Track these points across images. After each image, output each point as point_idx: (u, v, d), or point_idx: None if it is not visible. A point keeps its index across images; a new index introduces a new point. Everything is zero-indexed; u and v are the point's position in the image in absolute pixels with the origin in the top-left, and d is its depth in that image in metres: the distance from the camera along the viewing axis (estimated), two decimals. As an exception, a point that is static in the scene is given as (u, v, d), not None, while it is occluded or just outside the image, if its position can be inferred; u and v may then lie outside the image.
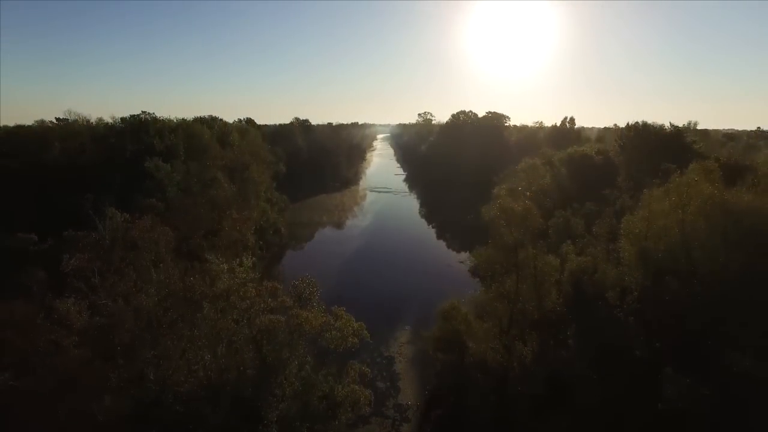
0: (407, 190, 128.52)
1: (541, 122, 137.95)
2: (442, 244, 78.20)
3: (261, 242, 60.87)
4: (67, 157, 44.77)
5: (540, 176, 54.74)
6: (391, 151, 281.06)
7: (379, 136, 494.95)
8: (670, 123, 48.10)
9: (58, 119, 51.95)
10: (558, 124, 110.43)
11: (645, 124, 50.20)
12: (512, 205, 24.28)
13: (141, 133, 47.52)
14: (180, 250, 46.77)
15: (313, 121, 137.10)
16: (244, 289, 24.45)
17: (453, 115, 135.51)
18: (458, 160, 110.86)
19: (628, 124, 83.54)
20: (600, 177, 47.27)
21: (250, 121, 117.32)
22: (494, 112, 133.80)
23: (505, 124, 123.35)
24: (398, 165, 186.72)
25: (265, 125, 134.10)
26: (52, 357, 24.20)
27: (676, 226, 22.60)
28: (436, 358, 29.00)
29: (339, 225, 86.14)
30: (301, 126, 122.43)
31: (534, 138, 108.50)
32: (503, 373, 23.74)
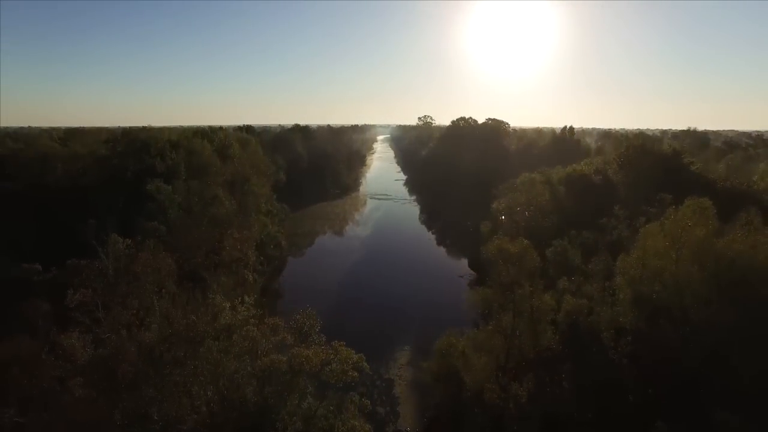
0: (407, 196, 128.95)
1: (541, 128, 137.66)
2: (442, 253, 78.75)
3: (261, 257, 61.30)
4: (70, 178, 45.21)
5: (539, 193, 55.10)
6: (391, 153, 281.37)
7: (379, 138, 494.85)
8: (669, 143, 48.40)
9: (60, 139, 52.39)
10: (558, 131, 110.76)
11: (643, 144, 50.53)
12: (509, 246, 24.66)
13: (142, 153, 47.93)
14: (182, 270, 47.31)
15: (313, 122, 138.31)
16: (246, 328, 24.91)
17: (453, 122, 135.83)
18: (458, 167, 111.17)
19: (627, 136, 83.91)
20: (599, 197, 47.64)
21: (249, 129, 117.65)
22: (494, 119, 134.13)
23: (505, 131, 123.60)
24: (398, 169, 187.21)
25: (265, 130, 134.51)
26: (57, 394, 24.70)
27: (670, 269, 23.02)
28: (435, 388, 29.44)
29: (339, 236, 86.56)
30: (302, 132, 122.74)
31: (534, 146, 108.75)
32: (500, 410, 24.19)
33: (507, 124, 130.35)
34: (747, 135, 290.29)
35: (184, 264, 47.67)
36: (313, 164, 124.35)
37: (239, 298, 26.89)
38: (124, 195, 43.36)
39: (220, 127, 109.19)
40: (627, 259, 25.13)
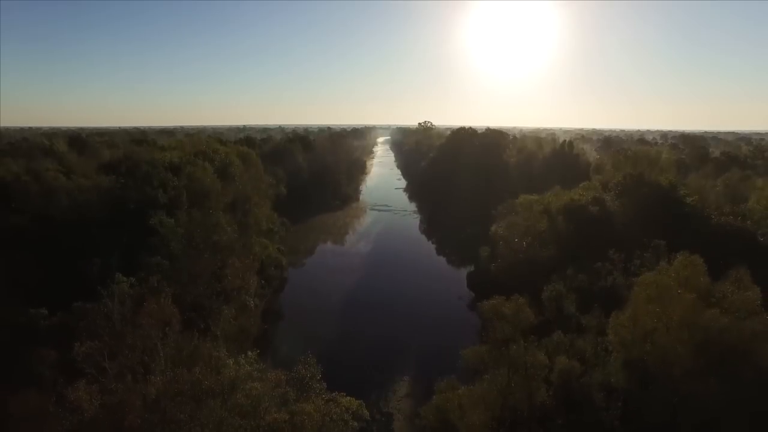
0: (408, 207, 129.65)
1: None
2: (442, 268, 79.48)
3: (263, 281, 62.03)
4: (74, 209, 45.98)
5: (537, 220, 55.76)
6: (392, 157, 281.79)
7: (380, 140, 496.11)
8: (666, 177, 49.17)
9: (61, 167, 53.14)
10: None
11: (641, 174, 51.19)
12: (504, 306, 25.36)
13: (144, 185, 48.65)
14: (184, 301, 48.03)
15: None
16: (251, 385, 25.70)
17: (453, 132, 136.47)
18: (458, 181, 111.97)
19: (626, 153, 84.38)
20: (596, 229, 48.38)
21: (249, 141, 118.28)
22: (494, 129, 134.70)
23: (505, 143, 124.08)
24: (398, 176, 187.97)
25: (265, 141, 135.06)
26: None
27: (661, 331, 23.70)
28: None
29: (340, 253, 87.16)
30: (302, 143, 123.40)
31: (534, 158, 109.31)
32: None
33: (507, 135, 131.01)
34: (747, 140, 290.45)
35: (186, 295, 48.51)
36: (313, 175, 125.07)
37: (243, 355, 27.72)
38: (127, 230, 44.07)
39: (221, 141, 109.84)
40: (619, 316, 25.82)
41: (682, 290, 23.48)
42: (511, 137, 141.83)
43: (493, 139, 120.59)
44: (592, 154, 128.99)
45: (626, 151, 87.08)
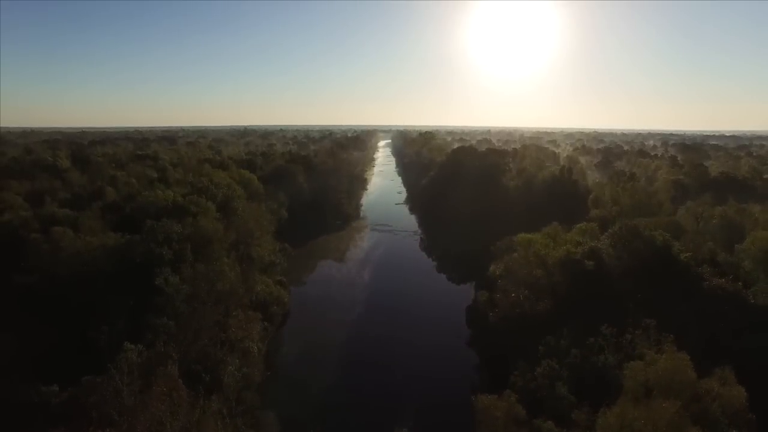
0: (408, 227, 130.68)
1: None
2: (442, 296, 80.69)
3: (265, 322, 63.17)
4: (81, 266, 47.24)
5: (534, 267, 56.84)
6: (392, 165, 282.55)
7: (381, 144, 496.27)
8: (661, 234, 50.25)
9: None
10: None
11: (636, 227, 52.23)
12: (496, 406, 26.51)
13: (149, 240, 49.85)
14: (188, 355, 49.28)
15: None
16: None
17: (453, 151, 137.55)
18: (458, 200, 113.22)
19: (625, 187, 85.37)
20: (593, 283, 49.62)
21: (251, 164, 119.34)
22: (493, 149, 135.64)
23: (504, 162, 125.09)
24: (399, 189, 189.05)
25: (266, 162, 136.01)
26: None
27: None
28: None
29: (341, 283, 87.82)
30: (303, 164, 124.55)
31: (533, 182, 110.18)
32: None
33: (506, 154, 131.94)
34: (747, 148, 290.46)
35: (191, 349, 49.77)
36: (314, 193, 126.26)
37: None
38: (133, 291, 45.33)
39: (223, 165, 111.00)
40: (608, 415, 26.96)
41: (666, 403, 24.60)
42: (510, 156, 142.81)
43: (493, 160, 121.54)
44: (591, 176, 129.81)
45: (624, 183, 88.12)
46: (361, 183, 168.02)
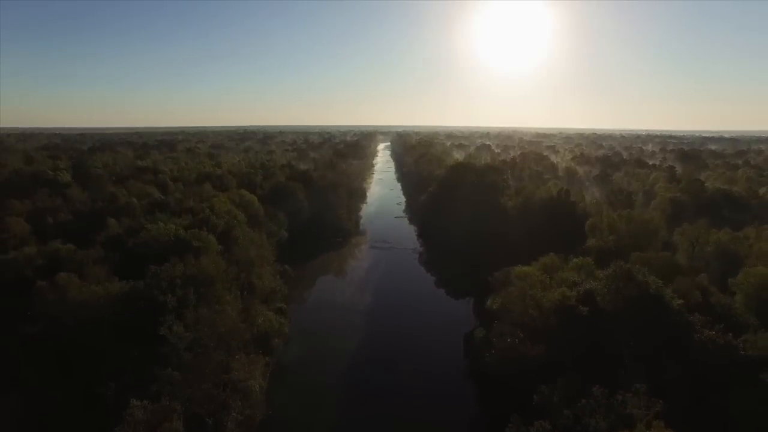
0: (408, 244, 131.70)
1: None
2: (442, 321, 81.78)
3: (266, 358, 64.10)
4: (87, 318, 48.20)
5: (530, 307, 57.84)
6: (392, 171, 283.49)
7: (380, 146, 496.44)
8: (654, 281, 51.28)
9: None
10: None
11: (629, 270, 53.17)
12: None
13: (153, 288, 50.78)
14: (192, 401, 50.24)
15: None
16: None
17: (452, 167, 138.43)
18: (458, 218, 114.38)
19: (622, 216, 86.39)
20: (587, 328, 50.72)
21: (250, 183, 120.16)
22: (491, 165, 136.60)
23: (503, 180, 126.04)
24: (398, 200, 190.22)
25: (268, 176, 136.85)
26: None
27: None
28: None
29: (341, 308, 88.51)
30: (303, 181, 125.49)
31: (531, 200, 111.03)
32: None
33: (504, 171, 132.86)
34: (744, 154, 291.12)
35: (194, 395, 50.75)
36: (314, 210, 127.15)
37: None
38: (137, 341, 46.30)
39: (223, 186, 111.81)
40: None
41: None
42: (509, 167, 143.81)
43: (491, 179, 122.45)
44: (590, 191, 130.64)
45: (621, 206, 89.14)
46: (361, 196, 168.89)
